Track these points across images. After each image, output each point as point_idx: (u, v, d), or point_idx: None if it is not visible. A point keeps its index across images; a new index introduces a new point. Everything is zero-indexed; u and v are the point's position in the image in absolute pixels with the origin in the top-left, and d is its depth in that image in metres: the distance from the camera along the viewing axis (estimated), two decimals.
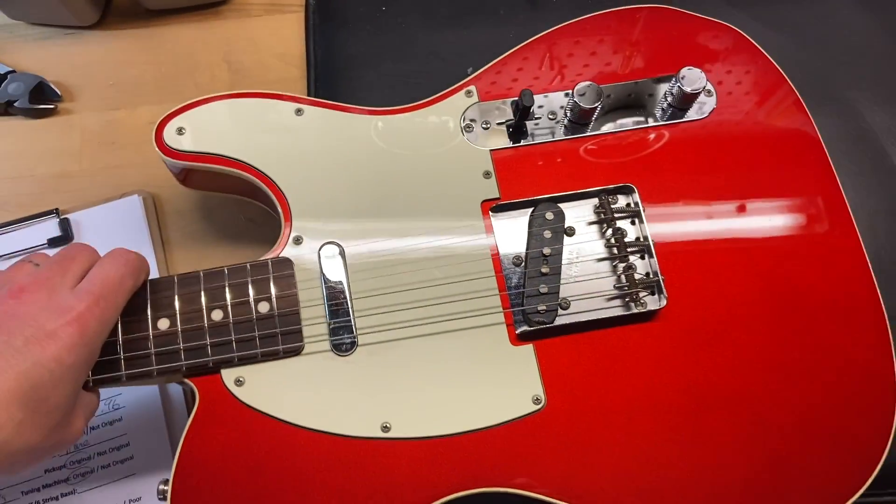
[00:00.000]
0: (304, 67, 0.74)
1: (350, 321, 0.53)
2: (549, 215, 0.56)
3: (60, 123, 0.72)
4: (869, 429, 0.53)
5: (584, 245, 0.56)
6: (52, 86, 0.72)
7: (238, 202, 0.69)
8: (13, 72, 0.72)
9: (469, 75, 0.62)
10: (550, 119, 0.59)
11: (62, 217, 0.67)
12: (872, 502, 0.60)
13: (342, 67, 0.72)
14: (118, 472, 0.61)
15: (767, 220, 0.58)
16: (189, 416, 0.62)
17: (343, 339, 0.52)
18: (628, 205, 0.57)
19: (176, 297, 0.52)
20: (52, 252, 0.67)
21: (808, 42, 0.72)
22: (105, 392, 0.63)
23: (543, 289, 0.54)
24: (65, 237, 0.66)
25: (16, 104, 0.71)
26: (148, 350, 0.50)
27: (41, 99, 0.72)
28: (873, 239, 0.64)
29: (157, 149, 0.56)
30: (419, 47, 0.72)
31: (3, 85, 0.71)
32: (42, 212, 0.68)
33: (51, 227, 0.67)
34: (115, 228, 0.67)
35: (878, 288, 0.57)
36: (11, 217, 0.68)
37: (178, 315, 0.51)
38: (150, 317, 0.51)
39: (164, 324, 0.51)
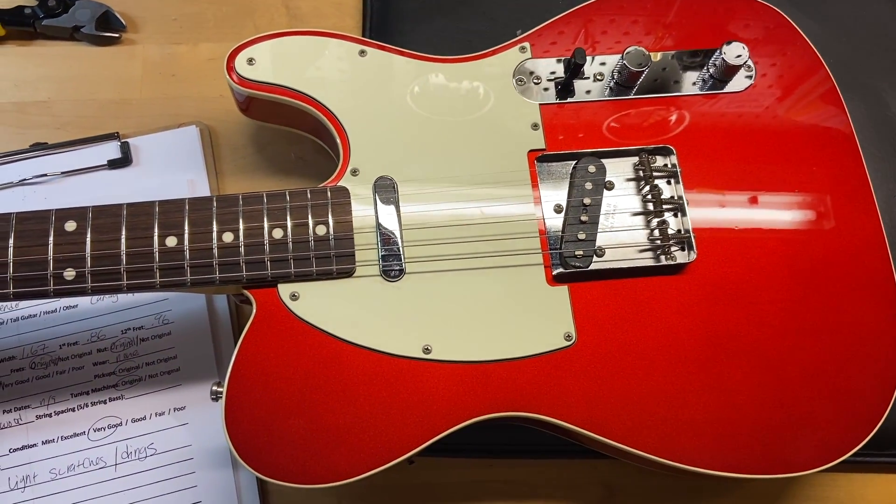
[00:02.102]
0: (359, 18, 0.77)
1: (399, 250, 0.56)
2: (592, 168, 0.60)
3: (123, 52, 0.75)
4: (872, 391, 0.57)
5: (621, 199, 0.60)
6: (118, 15, 0.75)
7: (289, 139, 0.72)
8: None
9: (518, 36, 0.66)
10: (598, 80, 0.63)
11: (122, 140, 0.71)
12: (869, 461, 0.64)
13: (396, 20, 0.75)
14: (164, 382, 0.65)
15: (795, 195, 0.61)
16: (233, 332, 0.67)
17: (392, 265, 0.56)
18: (665, 165, 0.61)
19: (240, 214, 0.55)
20: (112, 173, 0.71)
21: (841, 30, 0.75)
22: (155, 307, 0.67)
23: (581, 236, 0.58)
24: (124, 160, 0.70)
25: (82, 30, 0.74)
26: (212, 260, 0.54)
27: (106, 27, 0.75)
28: (889, 220, 0.68)
29: (227, 76, 0.60)
30: (472, 6, 0.75)
31: (70, 10, 0.74)
32: (103, 134, 0.71)
33: (111, 150, 0.71)
34: (173, 155, 0.71)
35: (892, 263, 0.60)
36: (71, 137, 0.72)
37: (241, 230, 0.55)
38: (215, 230, 0.55)
39: (228, 237, 0.55)
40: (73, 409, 0.64)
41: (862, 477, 0.65)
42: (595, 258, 0.58)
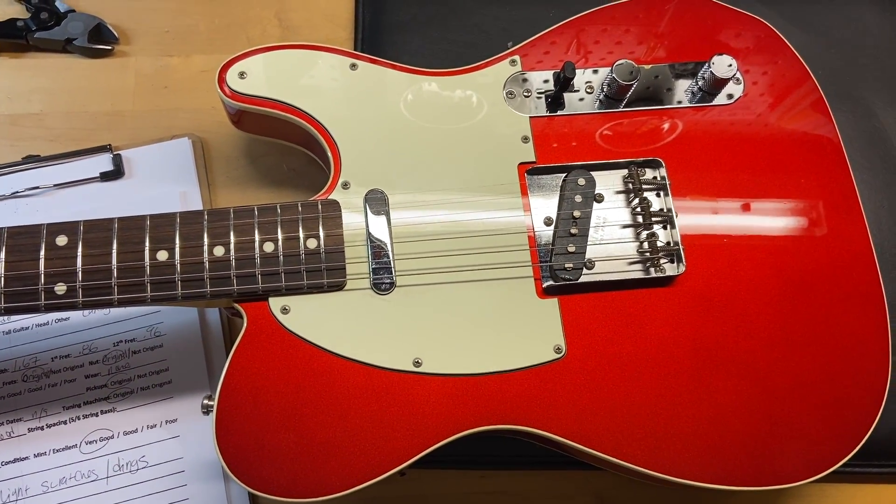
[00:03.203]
0: (351, 29, 0.77)
1: (390, 263, 0.57)
2: (581, 181, 0.60)
3: (116, 65, 0.76)
4: (861, 401, 0.58)
5: (611, 211, 0.60)
6: (111, 28, 0.75)
7: (282, 151, 0.73)
8: (73, 11, 0.76)
9: (509, 49, 0.66)
10: (588, 93, 0.63)
11: (115, 153, 0.71)
12: (858, 472, 0.65)
13: (388, 32, 0.76)
14: (156, 395, 0.65)
15: (784, 206, 0.62)
16: (225, 345, 0.67)
17: (383, 279, 0.56)
18: (655, 178, 0.61)
19: (231, 228, 0.55)
20: (104, 186, 0.71)
21: (831, 42, 0.76)
22: (147, 320, 0.67)
23: (571, 248, 0.58)
24: (117, 172, 0.70)
25: (75, 42, 0.74)
26: (203, 274, 0.54)
27: (99, 40, 0.76)
28: (877, 231, 0.68)
29: (218, 90, 0.60)
30: (464, 19, 0.76)
31: (63, 23, 0.75)
32: (95, 146, 0.71)
33: (103, 162, 0.71)
34: (165, 167, 0.71)
35: (879, 273, 0.61)
36: (64, 149, 0.72)
37: (232, 244, 0.55)
38: (206, 244, 0.55)
39: (219, 251, 0.55)
40: (64, 422, 0.64)
41: (851, 487, 0.66)
42: (585, 271, 0.58)
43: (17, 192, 0.69)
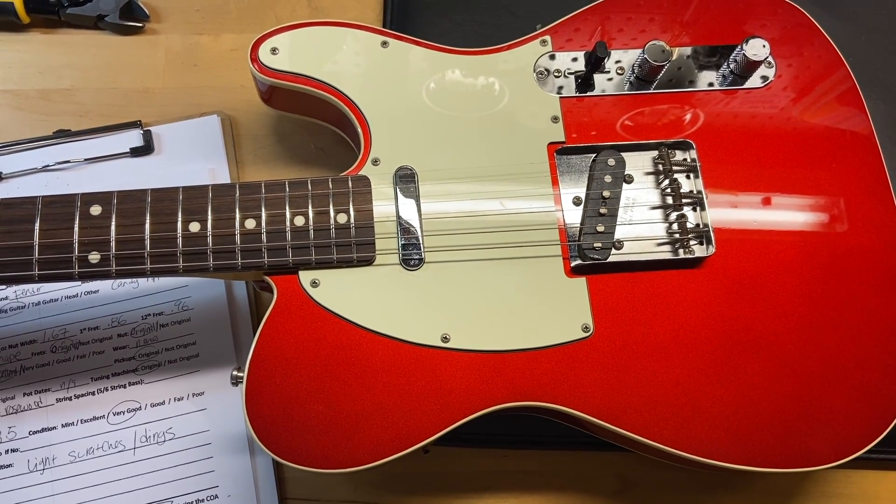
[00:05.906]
0: (379, 10, 0.77)
1: (419, 240, 0.57)
2: (611, 161, 0.60)
3: (146, 42, 0.76)
4: (889, 388, 0.57)
5: (640, 192, 0.60)
6: (142, 5, 0.76)
7: (310, 130, 0.73)
8: None
9: (537, 31, 0.66)
10: (618, 74, 0.63)
11: (145, 129, 0.71)
12: (884, 458, 0.64)
13: (416, 13, 0.76)
14: (184, 368, 0.65)
15: (815, 190, 0.61)
16: (252, 320, 0.67)
17: (412, 254, 0.56)
18: (685, 159, 0.61)
19: (262, 201, 0.56)
20: (134, 161, 0.71)
21: (862, 29, 0.75)
22: (174, 294, 0.67)
23: (600, 228, 0.58)
24: (147, 148, 0.71)
25: (106, 19, 0.75)
26: (234, 246, 0.55)
27: (130, 16, 0.76)
28: None
29: (250, 65, 0.60)
30: (492, 1, 0.75)
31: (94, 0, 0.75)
32: (126, 122, 0.72)
33: (133, 138, 0.71)
34: (194, 144, 0.71)
35: None
36: (94, 125, 0.72)
37: (263, 217, 0.55)
38: (237, 217, 0.55)
39: (250, 224, 0.55)
40: (92, 393, 0.65)
41: (875, 474, 0.65)
42: (613, 250, 0.58)
43: (48, 165, 0.70)
